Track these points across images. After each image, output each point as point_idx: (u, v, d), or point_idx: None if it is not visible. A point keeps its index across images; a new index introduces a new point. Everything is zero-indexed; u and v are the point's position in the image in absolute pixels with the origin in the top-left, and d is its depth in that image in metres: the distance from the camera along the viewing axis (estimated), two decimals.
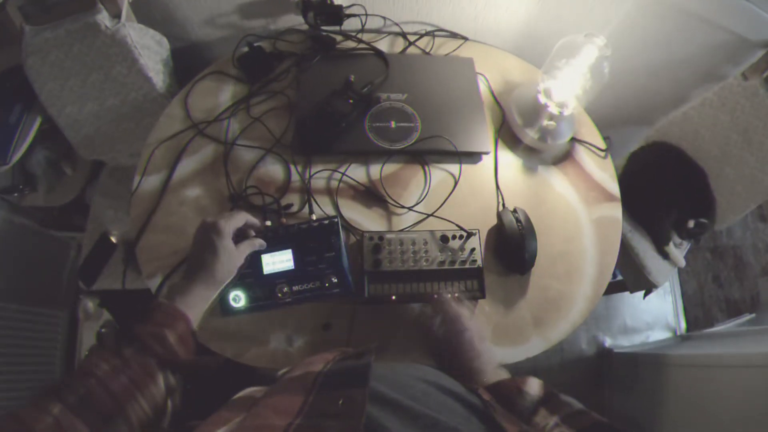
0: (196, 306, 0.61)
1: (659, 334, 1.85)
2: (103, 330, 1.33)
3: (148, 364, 0.51)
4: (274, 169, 0.88)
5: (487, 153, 0.93)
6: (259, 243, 0.73)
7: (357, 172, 0.88)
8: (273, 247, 0.75)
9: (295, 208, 0.84)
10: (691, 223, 1.23)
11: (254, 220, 0.74)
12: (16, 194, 1.17)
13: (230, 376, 0.73)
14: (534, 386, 0.53)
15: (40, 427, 0.40)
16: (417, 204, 0.86)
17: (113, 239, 1.09)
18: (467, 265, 0.79)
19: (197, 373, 0.57)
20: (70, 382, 0.46)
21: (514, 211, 0.85)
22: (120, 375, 0.48)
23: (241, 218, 0.71)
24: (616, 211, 0.94)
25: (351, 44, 1.01)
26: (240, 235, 0.71)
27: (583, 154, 0.99)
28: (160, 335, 0.53)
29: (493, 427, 0.37)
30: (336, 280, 0.75)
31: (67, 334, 1.27)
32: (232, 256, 0.67)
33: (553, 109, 0.92)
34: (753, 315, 1.80)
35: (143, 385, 0.49)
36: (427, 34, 1.07)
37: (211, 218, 0.68)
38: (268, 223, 0.80)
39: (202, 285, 0.63)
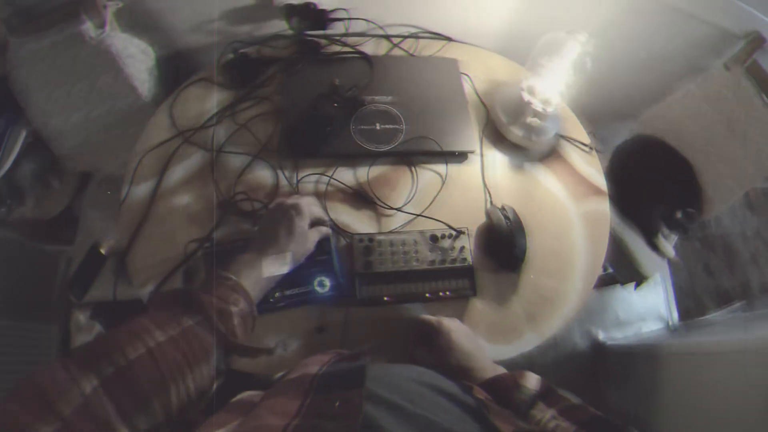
0: (259, 285, 0.59)
1: (652, 326, 1.86)
2: None
3: (207, 342, 0.47)
4: (262, 175, 0.88)
5: (473, 152, 0.93)
6: (326, 230, 0.73)
7: (345, 175, 0.89)
8: None
9: None
10: (678, 214, 1.24)
11: (322, 212, 0.74)
12: (3, 208, 1.16)
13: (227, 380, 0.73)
14: (532, 381, 0.54)
15: (65, 408, 0.35)
16: (405, 205, 0.87)
17: (103, 251, 1.08)
18: (458, 264, 0.80)
19: (250, 358, 0.52)
20: (114, 346, 0.41)
21: (503, 208, 0.86)
22: (173, 348, 0.43)
23: (316, 203, 0.72)
24: (603, 204, 0.96)
25: (336, 48, 1.02)
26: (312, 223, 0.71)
27: (569, 150, 1.00)
28: (226, 312, 0.50)
29: (487, 427, 0.37)
30: (328, 283, 0.75)
31: (60, 348, 1.26)
32: (305, 239, 0.67)
33: (538, 106, 0.92)
34: (744, 302, 1.82)
35: (195, 365, 0.44)
36: (411, 36, 1.08)
37: (292, 199, 0.68)
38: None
39: (272, 262, 0.62)
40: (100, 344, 0.42)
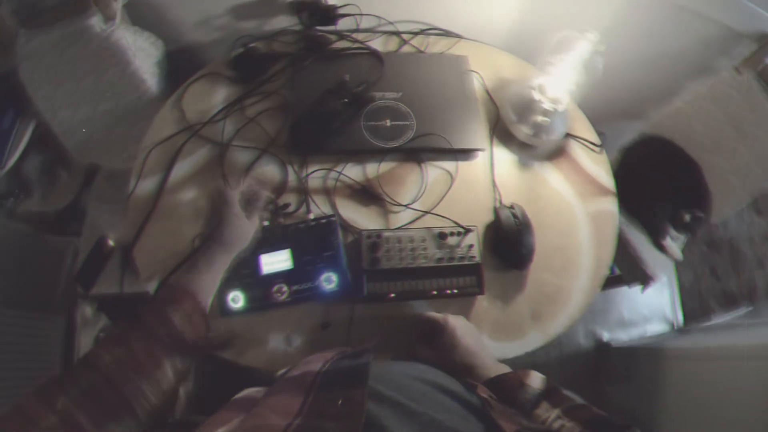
0: (205, 278, 0.60)
1: (657, 328, 1.86)
2: (101, 334, 1.32)
3: (153, 350, 0.49)
4: (270, 170, 0.88)
5: (482, 150, 0.93)
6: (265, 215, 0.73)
7: (353, 171, 0.89)
8: (271, 247, 0.76)
9: (292, 208, 0.84)
10: (686, 217, 1.24)
11: (261, 190, 0.73)
12: (11, 200, 1.16)
13: (230, 376, 0.73)
14: (536, 380, 0.53)
15: (45, 423, 0.39)
16: (414, 202, 0.87)
17: (110, 243, 1.08)
18: (465, 262, 0.79)
19: (211, 354, 0.55)
20: (74, 375, 0.44)
21: (511, 207, 0.86)
22: (123, 367, 0.46)
23: (247, 183, 0.71)
24: (611, 205, 0.95)
25: (345, 44, 1.01)
26: (253, 204, 0.72)
27: (577, 149, 0.99)
28: (163, 316, 0.51)
29: (491, 425, 0.37)
30: (334, 279, 0.75)
31: (65, 339, 1.27)
32: (241, 222, 0.67)
33: (547, 105, 0.92)
34: (750, 308, 1.81)
35: (148, 375, 0.47)
36: (421, 32, 1.07)
37: (218, 188, 0.69)
38: (266, 223, 0.80)
39: (212, 254, 0.63)
40: (64, 375, 0.45)
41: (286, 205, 0.83)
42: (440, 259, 0.79)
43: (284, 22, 1.04)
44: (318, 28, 1.00)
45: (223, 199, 0.67)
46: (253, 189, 0.72)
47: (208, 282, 0.60)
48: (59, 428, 0.40)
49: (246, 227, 0.68)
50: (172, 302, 0.54)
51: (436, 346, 0.69)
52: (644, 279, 1.25)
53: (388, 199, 0.86)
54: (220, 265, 0.63)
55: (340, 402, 0.34)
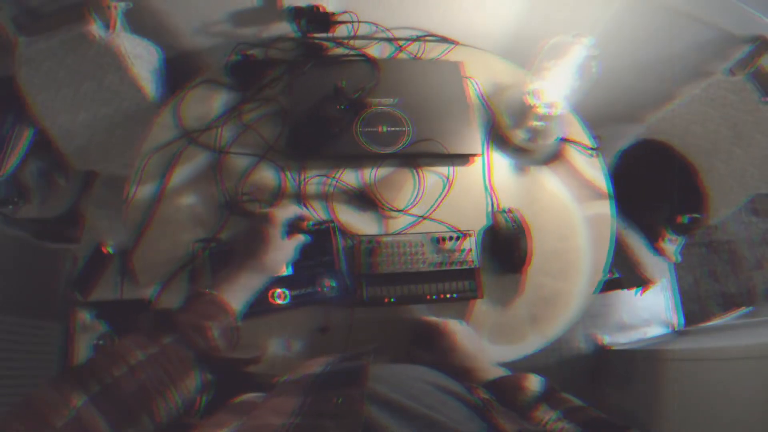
0: (239, 297, 0.60)
1: (656, 330, 1.86)
2: (100, 342, 1.32)
3: (187, 358, 0.49)
4: (267, 176, 0.88)
5: (477, 155, 0.93)
6: (303, 238, 0.73)
7: (350, 177, 0.89)
8: None
9: None
10: (683, 219, 1.24)
11: (303, 211, 0.74)
12: (10, 206, 1.16)
13: (227, 379, 0.73)
14: (535, 382, 0.53)
15: (58, 422, 0.38)
16: (411, 207, 0.87)
17: (108, 249, 1.08)
18: (463, 266, 0.80)
19: (236, 369, 0.55)
20: (98, 367, 0.43)
21: (508, 211, 0.86)
22: (154, 365, 0.45)
23: (291, 210, 0.72)
24: (608, 208, 0.95)
25: (341, 51, 1.02)
26: (291, 229, 0.72)
27: (573, 153, 1.00)
28: (202, 327, 0.52)
29: (494, 426, 0.37)
30: (333, 284, 0.75)
31: (63, 346, 1.26)
32: (282, 248, 0.67)
33: (542, 110, 0.92)
34: (750, 308, 1.81)
35: (177, 380, 0.47)
36: (416, 39, 1.08)
37: (265, 210, 0.69)
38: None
39: (250, 274, 0.63)
40: (87, 365, 0.44)
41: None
42: (438, 264, 0.79)
43: (281, 29, 1.04)
44: (314, 35, 1.01)
45: (270, 222, 0.67)
46: (300, 214, 0.73)
47: (241, 299, 0.61)
48: (73, 430, 0.39)
49: (285, 253, 0.68)
50: (211, 316, 0.54)
51: (434, 349, 0.69)
52: (643, 282, 1.26)
53: (384, 205, 0.86)
54: (255, 286, 0.64)
55: (339, 400, 0.34)
